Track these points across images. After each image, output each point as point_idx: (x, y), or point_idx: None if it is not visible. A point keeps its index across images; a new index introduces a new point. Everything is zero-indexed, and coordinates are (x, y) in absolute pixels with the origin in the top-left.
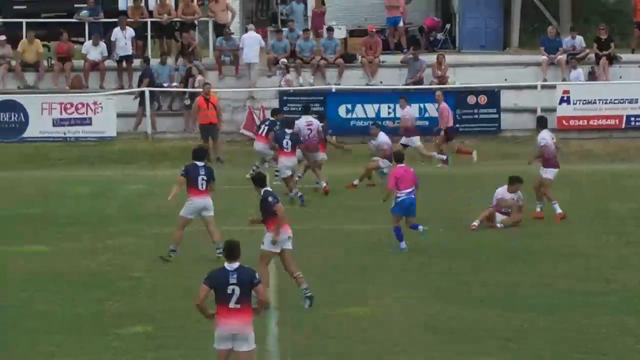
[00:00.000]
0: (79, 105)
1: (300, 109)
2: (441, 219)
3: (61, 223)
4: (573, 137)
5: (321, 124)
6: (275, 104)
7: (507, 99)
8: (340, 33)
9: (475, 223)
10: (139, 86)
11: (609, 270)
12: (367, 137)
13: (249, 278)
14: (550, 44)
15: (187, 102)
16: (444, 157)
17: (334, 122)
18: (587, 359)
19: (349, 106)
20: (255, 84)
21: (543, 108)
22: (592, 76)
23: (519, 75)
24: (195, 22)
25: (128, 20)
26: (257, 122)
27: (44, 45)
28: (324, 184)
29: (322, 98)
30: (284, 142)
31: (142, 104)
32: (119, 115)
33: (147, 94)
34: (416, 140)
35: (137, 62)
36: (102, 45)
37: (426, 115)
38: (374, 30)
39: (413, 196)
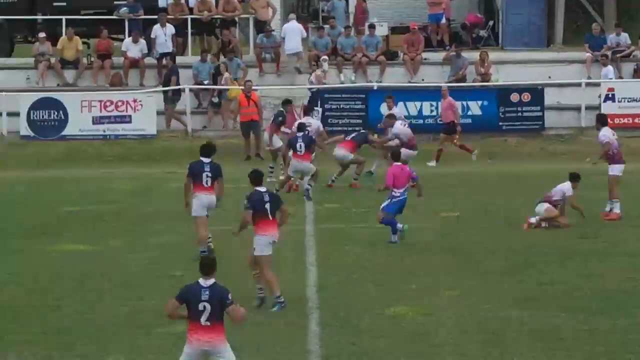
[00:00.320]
0: (119, 103)
1: (340, 107)
2: (485, 218)
3: (102, 221)
4: (618, 136)
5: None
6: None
7: (551, 97)
8: (382, 30)
9: (534, 220)
10: (164, 85)
11: None
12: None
13: (221, 297)
14: (594, 41)
15: (216, 100)
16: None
17: (375, 120)
18: None
19: None
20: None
21: (587, 106)
22: (637, 74)
23: (563, 72)
24: (236, 19)
25: (168, 17)
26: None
27: (83, 43)
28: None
29: (363, 96)
30: (297, 145)
31: (168, 101)
32: (159, 113)
33: (187, 92)
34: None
35: (177, 60)
36: (142, 42)
37: (469, 113)
38: (416, 27)
39: (406, 195)
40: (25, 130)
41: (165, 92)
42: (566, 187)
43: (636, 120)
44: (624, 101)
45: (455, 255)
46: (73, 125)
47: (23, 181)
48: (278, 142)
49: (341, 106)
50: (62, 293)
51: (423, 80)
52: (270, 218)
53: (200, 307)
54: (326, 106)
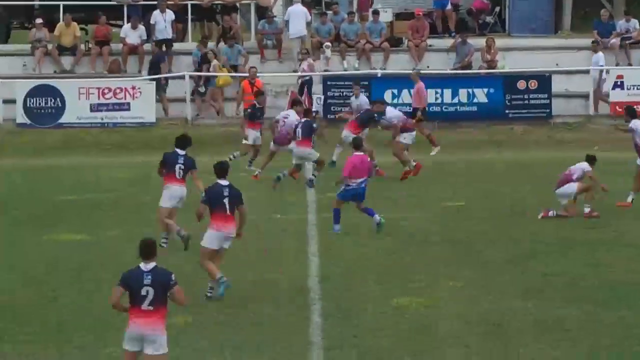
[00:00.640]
0: (117, 90)
1: (343, 94)
2: (490, 207)
3: (99, 210)
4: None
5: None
6: (319, 89)
7: (559, 84)
8: (386, 16)
9: (552, 213)
10: (149, 73)
11: None
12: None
13: (164, 280)
14: (603, 27)
15: (202, 89)
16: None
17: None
18: None
19: (395, 91)
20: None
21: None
22: None
23: (571, 59)
24: (237, 4)
25: (168, 2)
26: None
27: (81, 29)
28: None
29: (367, 83)
30: (296, 130)
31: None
32: (159, 101)
33: (187, 79)
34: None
35: (177, 46)
36: (141, 28)
37: (474, 100)
38: (421, 13)
39: (364, 186)
40: (21, 117)
41: (157, 79)
42: (584, 164)
43: None
44: (633, 88)
45: (459, 245)
46: (70, 112)
47: (19, 170)
48: (252, 136)
49: (344, 93)
50: (59, 284)
51: (428, 67)
52: (228, 213)
53: (143, 291)
54: (329, 93)
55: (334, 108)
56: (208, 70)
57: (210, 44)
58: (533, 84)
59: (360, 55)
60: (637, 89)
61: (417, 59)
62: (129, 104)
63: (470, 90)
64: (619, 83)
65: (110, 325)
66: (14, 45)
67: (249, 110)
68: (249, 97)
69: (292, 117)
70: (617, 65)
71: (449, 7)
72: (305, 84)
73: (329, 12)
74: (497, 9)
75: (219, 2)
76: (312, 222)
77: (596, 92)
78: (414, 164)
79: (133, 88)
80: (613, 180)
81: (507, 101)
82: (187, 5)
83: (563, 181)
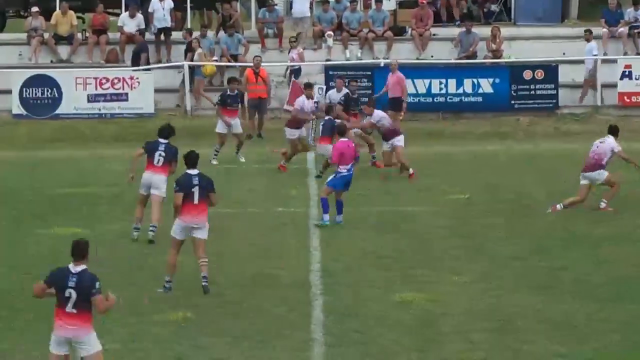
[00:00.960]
0: (115, 80)
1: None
2: (495, 201)
3: (97, 203)
4: (635, 114)
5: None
6: (320, 78)
7: (565, 74)
8: (389, 4)
9: (603, 204)
10: (133, 62)
11: None
12: (417, 115)
13: (88, 285)
14: (611, 15)
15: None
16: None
17: (381, 98)
18: None
19: None
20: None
21: (603, 84)
22: None
23: (578, 49)
24: None
25: None
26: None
27: (78, 17)
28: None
29: (369, 73)
30: (319, 126)
31: None
32: (157, 91)
33: (185, 68)
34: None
35: (176, 35)
36: (139, 17)
37: (479, 91)
38: (425, 1)
39: (352, 171)
40: (17, 108)
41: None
42: (611, 142)
43: None
44: None
45: (464, 239)
46: (67, 103)
47: (14, 162)
48: (223, 124)
49: (347, 83)
50: None
51: (432, 56)
52: (196, 202)
53: (67, 293)
54: (331, 83)
55: None
56: (192, 60)
57: (210, 33)
58: (539, 74)
59: (362, 44)
60: None
61: (421, 49)
62: (127, 94)
63: (475, 80)
64: (627, 73)
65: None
66: (10, 35)
67: (218, 96)
68: (253, 86)
69: (304, 101)
70: (625, 54)
71: None
72: (293, 73)
73: (331, 1)
74: None
75: None
76: (314, 216)
77: (587, 82)
78: (411, 171)
79: (131, 78)
80: (623, 171)
81: (512, 91)
82: None
83: (593, 165)
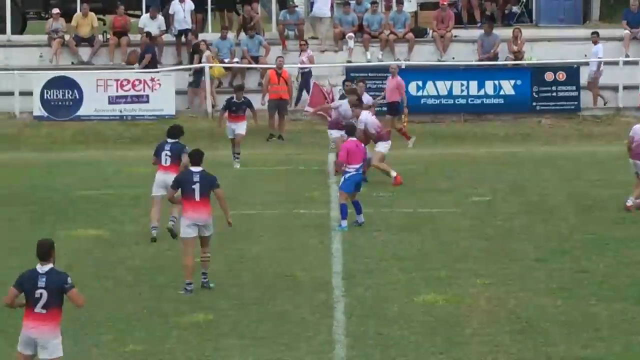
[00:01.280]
0: (136, 82)
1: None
2: (518, 203)
3: (117, 205)
4: None
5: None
6: (341, 80)
7: (587, 76)
8: (410, 6)
9: (630, 202)
10: (139, 64)
11: None
12: (438, 117)
13: (60, 283)
14: (633, 17)
15: (191, 79)
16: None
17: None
18: None
19: (420, 83)
20: (326, 40)
21: (625, 85)
22: None
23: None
24: None
25: None
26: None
27: (99, 19)
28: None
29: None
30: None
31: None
32: (178, 93)
33: (207, 70)
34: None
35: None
36: (160, 18)
37: (501, 92)
38: (446, 2)
39: (362, 172)
40: (38, 110)
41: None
42: None
43: None
44: None
45: (487, 241)
46: (88, 105)
47: (36, 163)
48: (227, 131)
49: (367, 85)
50: (76, 280)
51: (453, 58)
52: (197, 199)
53: (37, 294)
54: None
55: None
56: (200, 62)
57: (231, 35)
58: (561, 76)
59: (383, 46)
60: None
61: (443, 50)
62: (147, 96)
63: (496, 82)
64: None
65: (130, 324)
66: (31, 36)
67: (225, 101)
68: (275, 87)
69: (345, 106)
70: None
71: None
72: (304, 76)
73: (352, 2)
74: None
75: None
76: (336, 218)
77: (590, 85)
78: (394, 174)
79: (152, 80)
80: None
81: (534, 93)
82: None
83: None
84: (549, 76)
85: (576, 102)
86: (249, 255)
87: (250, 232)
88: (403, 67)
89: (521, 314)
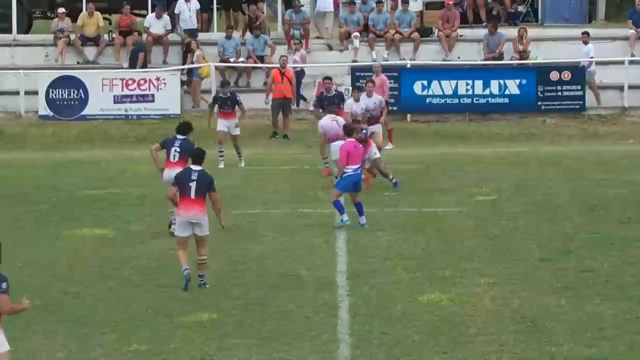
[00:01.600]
0: (141, 82)
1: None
2: (522, 202)
3: (122, 204)
4: None
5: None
6: (347, 80)
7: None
8: (416, 5)
9: None
10: (130, 63)
11: None
12: (443, 116)
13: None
14: (638, 17)
15: (184, 78)
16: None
17: (408, 100)
18: None
19: (425, 82)
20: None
21: (630, 85)
22: None
23: (605, 50)
24: None
25: None
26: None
27: (104, 19)
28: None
29: (396, 74)
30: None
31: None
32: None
33: (212, 69)
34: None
35: (202, 36)
36: (166, 18)
37: (506, 92)
38: (452, 2)
39: (360, 172)
40: (44, 109)
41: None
42: None
43: None
44: None
45: (491, 240)
46: (93, 104)
47: (41, 163)
48: (219, 124)
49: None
50: (82, 280)
51: (459, 58)
52: (192, 197)
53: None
54: (357, 85)
55: None
56: (192, 61)
57: (236, 34)
58: (566, 75)
59: (389, 45)
60: None
61: (448, 50)
62: (153, 95)
63: (501, 81)
64: None
65: (134, 323)
66: (36, 36)
67: (212, 97)
68: (279, 86)
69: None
70: None
71: None
72: (296, 75)
73: (358, 2)
74: None
75: None
76: (339, 218)
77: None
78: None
79: (157, 79)
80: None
81: (539, 93)
82: None
83: None
84: (554, 75)
85: (581, 102)
86: (252, 255)
87: (254, 231)
88: (408, 66)
89: (525, 314)
